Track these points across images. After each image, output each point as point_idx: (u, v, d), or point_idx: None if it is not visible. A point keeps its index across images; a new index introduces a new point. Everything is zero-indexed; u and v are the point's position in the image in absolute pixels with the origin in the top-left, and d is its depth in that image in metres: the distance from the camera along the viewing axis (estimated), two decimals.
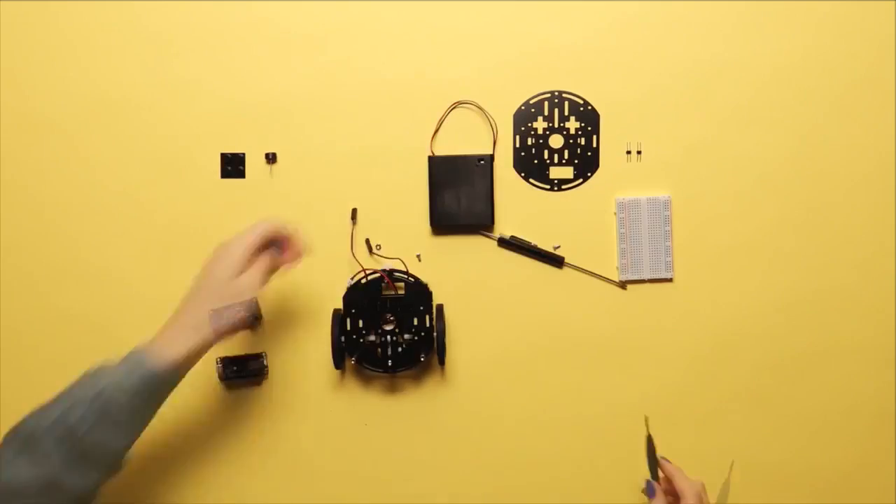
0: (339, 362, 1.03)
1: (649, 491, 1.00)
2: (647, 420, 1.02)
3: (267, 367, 1.05)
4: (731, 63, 1.06)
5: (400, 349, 1.03)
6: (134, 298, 1.06)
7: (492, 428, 1.06)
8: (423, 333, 1.03)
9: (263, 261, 0.96)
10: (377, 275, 1.03)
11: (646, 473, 1.01)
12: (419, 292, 1.03)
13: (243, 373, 1.05)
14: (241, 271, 0.94)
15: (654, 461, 1.01)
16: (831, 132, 1.06)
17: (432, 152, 1.05)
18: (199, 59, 1.06)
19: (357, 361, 1.03)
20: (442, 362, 1.04)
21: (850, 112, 1.05)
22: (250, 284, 0.94)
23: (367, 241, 1.06)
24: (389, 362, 1.03)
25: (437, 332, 1.02)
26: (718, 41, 1.05)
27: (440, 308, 1.04)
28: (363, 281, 1.04)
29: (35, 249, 1.06)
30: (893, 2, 1.05)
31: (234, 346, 1.06)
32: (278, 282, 1.06)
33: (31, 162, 1.06)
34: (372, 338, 1.03)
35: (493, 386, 1.06)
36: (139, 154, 1.06)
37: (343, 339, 1.03)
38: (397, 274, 1.04)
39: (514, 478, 1.06)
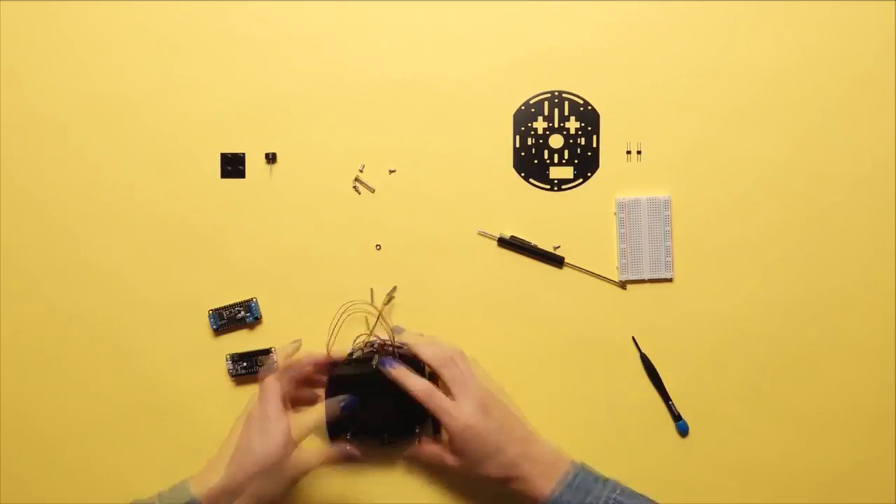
0: (334, 435, 1.00)
1: (384, 363, 0.99)
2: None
3: (276, 362, 1.05)
4: (731, 63, 1.06)
5: (394, 421, 1.01)
6: (134, 298, 1.06)
7: None
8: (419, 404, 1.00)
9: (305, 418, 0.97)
10: (373, 349, 1.01)
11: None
12: (414, 364, 1.00)
13: (253, 368, 1.05)
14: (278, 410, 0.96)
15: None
16: (831, 132, 1.06)
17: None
18: (199, 59, 1.06)
19: (352, 436, 1.00)
20: (437, 432, 1.03)
21: (850, 112, 1.05)
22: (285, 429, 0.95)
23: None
24: (385, 435, 1.01)
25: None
26: (718, 41, 1.06)
27: (433, 378, 1.00)
28: (355, 355, 1.02)
29: (35, 249, 1.06)
30: (893, 2, 1.05)
31: (242, 343, 1.06)
32: (279, 279, 1.06)
33: (31, 162, 1.06)
34: (367, 413, 1.00)
35: None
36: (139, 154, 1.07)
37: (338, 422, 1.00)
38: (389, 347, 1.02)
39: None
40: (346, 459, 0.99)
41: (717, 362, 1.06)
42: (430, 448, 1.01)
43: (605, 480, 0.96)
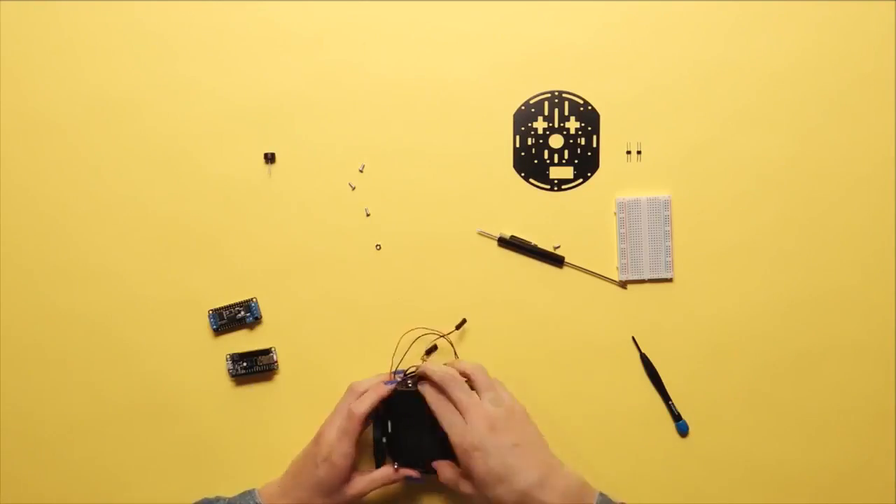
0: (380, 463, 1.01)
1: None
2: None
3: (276, 361, 1.06)
4: (731, 63, 1.06)
5: (435, 449, 0.99)
6: (134, 298, 1.06)
7: None
8: None
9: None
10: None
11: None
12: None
13: (253, 368, 1.05)
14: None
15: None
16: (831, 132, 1.06)
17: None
18: (199, 59, 1.06)
19: (399, 465, 1.00)
20: None
21: (850, 112, 1.05)
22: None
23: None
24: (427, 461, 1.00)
25: None
26: (718, 41, 1.06)
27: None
28: (410, 384, 1.00)
29: (35, 249, 1.06)
30: (893, 2, 1.05)
31: (242, 343, 1.06)
32: (279, 279, 1.06)
33: (31, 162, 1.07)
34: (423, 442, 0.99)
35: None
36: (139, 154, 1.07)
37: (385, 440, 1.00)
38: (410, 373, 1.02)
39: None
40: (406, 480, 1.00)
41: (717, 362, 1.06)
42: (445, 471, 0.97)
43: None
